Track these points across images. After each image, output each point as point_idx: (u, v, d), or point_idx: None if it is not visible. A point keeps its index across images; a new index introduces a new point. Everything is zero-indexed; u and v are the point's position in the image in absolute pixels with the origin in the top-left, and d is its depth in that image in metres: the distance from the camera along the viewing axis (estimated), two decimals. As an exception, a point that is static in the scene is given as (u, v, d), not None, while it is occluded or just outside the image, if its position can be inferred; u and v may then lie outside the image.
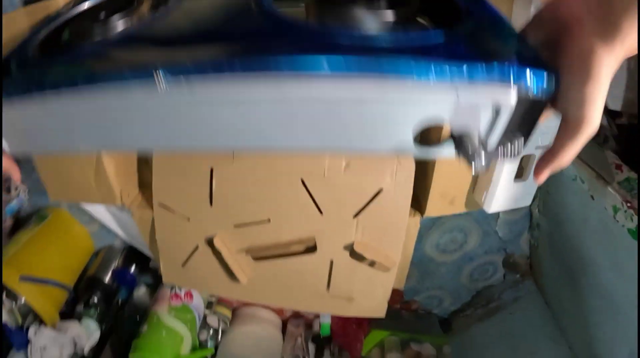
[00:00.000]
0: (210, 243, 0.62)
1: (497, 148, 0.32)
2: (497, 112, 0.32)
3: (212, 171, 0.58)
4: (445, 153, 0.35)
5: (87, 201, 0.71)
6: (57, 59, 0.39)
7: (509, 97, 0.31)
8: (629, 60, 0.67)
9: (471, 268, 0.83)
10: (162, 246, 0.66)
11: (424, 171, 0.59)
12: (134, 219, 0.68)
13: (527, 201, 0.65)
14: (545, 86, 0.31)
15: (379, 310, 0.63)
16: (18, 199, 0.81)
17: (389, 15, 0.37)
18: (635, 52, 0.29)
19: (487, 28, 0.37)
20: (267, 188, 0.57)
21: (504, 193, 0.60)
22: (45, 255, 0.78)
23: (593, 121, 0.30)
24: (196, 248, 0.64)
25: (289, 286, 0.63)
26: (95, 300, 0.81)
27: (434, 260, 0.78)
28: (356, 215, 0.57)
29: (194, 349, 0.77)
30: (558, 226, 0.72)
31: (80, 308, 0.82)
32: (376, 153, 0.35)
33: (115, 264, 0.82)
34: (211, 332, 0.82)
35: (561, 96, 0.31)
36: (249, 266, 0.63)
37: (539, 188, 0.72)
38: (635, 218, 0.57)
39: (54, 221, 0.81)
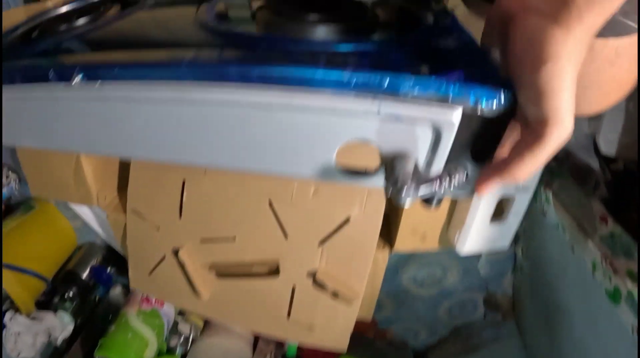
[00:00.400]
0: (176, 254, 0.62)
1: (434, 180, 0.27)
2: (437, 135, 0.28)
3: (184, 183, 0.58)
4: (375, 182, 0.31)
5: (66, 200, 0.72)
6: (14, 55, 0.39)
7: (448, 116, 0.26)
8: (627, 101, 0.63)
9: (450, 304, 0.80)
10: (131, 252, 0.67)
11: (394, 206, 0.57)
12: (109, 222, 0.69)
13: (505, 245, 0.63)
14: (497, 103, 0.26)
15: (340, 343, 0.62)
16: (8, 187, 0.83)
17: (333, 26, 0.35)
18: (596, 28, 0.23)
19: (444, 41, 0.34)
20: (235, 206, 0.57)
21: (479, 234, 0.58)
22: (27, 245, 0.80)
23: (558, 119, 0.23)
24: (163, 257, 0.64)
25: (251, 307, 0.62)
26: (71, 294, 0.81)
27: (410, 292, 0.76)
28: (321, 243, 0.56)
29: (159, 354, 0.77)
30: (538, 271, 0.69)
31: (56, 300, 0.83)
32: (298, 176, 0.32)
33: (94, 261, 0.83)
34: (181, 339, 0.81)
35: (518, 98, 0.26)
36: (212, 283, 0.62)
37: (523, 230, 0.70)
38: (614, 278, 0.54)
39: (39, 213, 0.82)
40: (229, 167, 0.32)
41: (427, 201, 0.33)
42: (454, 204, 0.58)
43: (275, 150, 0.30)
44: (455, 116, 0.26)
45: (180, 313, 0.81)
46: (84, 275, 0.82)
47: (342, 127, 0.28)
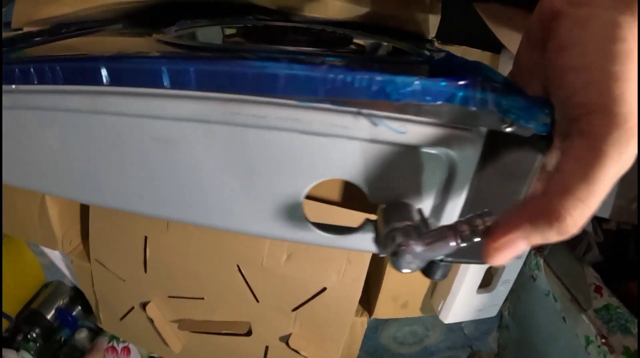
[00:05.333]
0: (145, 307, 0.58)
1: (447, 236, 0.19)
2: (451, 168, 0.20)
3: (146, 239, 0.54)
4: (360, 243, 0.23)
5: (30, 240, 0.68)
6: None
7: (469, 137, 0.19)
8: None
9: (432, 362, 0.76)
10: (100, 299, 0.63)
11: (375, 271, 0.53)
12: (72, 268, 0.64)
13: (492, 313, 0.59)
14: (539, 121, 0.19)
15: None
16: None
17: None
18: None
19: (443, 64, 0.26)
20: (200, 266, 0.53)
21: (464, 304, 0.54)
22: (-9, 280, 0.75)
23: (621, 108, 0.17)
24: (132, 308, 0.60)
25: (223, 363, 0.58)
26: (35, 334, 0.77)
27: (389, 351, 0.72)
28: (295, 309, 0.52)
29: (124, 406, 0.72)
30: (526, 335, 0.65)
31: (20, 338, 0.78)
32: (257, 233, 0.24)
33: (60, 302, 0.78)
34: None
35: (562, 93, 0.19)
36: (184, 336, 0.58)
37: (510, 290, 0.66)
38: (609, 357, 0.50)
39: (7, 246, 0.78)
40: (150, 213, 0.24)
41: (427, 270, 0.25)
42: (438, 269, 0.54)
43: (220, 191, 0.22)
44: (477, 138, 0.19)
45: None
46: (49, 315, 0.77)
47: (309, 154, 0.20)
